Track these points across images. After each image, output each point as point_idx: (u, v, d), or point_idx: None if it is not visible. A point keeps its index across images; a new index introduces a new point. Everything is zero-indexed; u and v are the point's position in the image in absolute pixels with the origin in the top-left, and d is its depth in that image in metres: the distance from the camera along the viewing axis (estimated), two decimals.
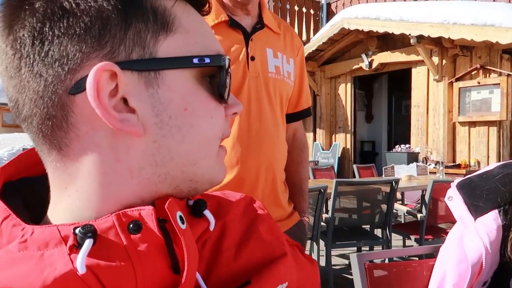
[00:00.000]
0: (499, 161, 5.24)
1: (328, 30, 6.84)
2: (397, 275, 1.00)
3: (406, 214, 3.74)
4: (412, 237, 3.23)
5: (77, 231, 0.34)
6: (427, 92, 6.10)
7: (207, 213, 0.42)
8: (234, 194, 0.52)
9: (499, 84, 5.24)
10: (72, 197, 0.38)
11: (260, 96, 1.16)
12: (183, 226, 0.37)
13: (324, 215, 3.04)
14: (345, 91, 7.48)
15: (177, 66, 0.38)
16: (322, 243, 3.11)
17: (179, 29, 0.39)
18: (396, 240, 3.85)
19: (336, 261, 3.71)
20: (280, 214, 1.23)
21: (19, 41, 0.36)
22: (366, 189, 3.38)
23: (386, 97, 9.38)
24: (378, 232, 3.39)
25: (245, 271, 0.44)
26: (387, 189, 3.20)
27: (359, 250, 3.57)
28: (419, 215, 3.18)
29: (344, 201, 3.30)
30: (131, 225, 0.35)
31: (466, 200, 0.77)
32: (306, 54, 6.93)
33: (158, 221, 0.36)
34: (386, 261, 2.53)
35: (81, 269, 0.32)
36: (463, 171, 5.18)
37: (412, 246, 3.52)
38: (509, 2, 5.83)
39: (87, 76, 0.35)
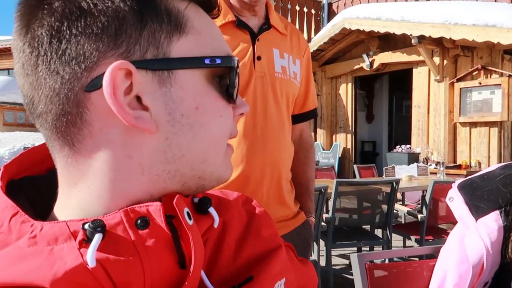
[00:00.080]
0: (500, 162, 5.25)
1: (329, 30, 6.84)
2: (398, 275, 1.00)
3: (406, 214, 3.74)
4: (413, 237, 3.23)
5: (86, 226, 0.35)
6: (428, 92, 6.09)
7: (212, 210, 0.43)
8: (232, 193, 0.54)
9: (500, 84, 5.24)
10: (82, 193, 0.39)
11: (266, 95, 1.17)
12: (190, 222, 0.38)
13: (325, 215, 3.04)
14: (346, 91, 7.47)
15: (190, 66, 0.39)
16: (322, 243, 3.11)
17: (191, 31, 0.40)
18: (397, 240, 3.85)
19: (336, 261, 3.71)
20: (286, 214, 1.24)
21: (37, 40, 0.37)
22: (366, 189, 3.38)
23: (387, 97, 9.38)
24: (378, 232, 3.39)
25: (245, 268, 0.45)
26: (387, 189, 3.20)
27: (359, 250, 3.56)
28: (419, 216, 3.18)
29: (344, 201, 3.30)
30: (139, 221, 0.36)
31: (467, 201, 0.77)
32: None
33: (165, 217, 0.37)
34: (387, 261, 2.53)
35: (91, 263, 0.33)
36: (464, 172, 5.17)
37: (412, 246, 3.52)
38: (511, 2, 5.83)
39: (103, 74, 0.36)
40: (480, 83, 5.43)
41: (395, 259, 2.68)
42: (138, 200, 0.39)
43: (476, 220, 0.74)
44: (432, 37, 5.39)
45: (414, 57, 6.07)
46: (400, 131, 8.90)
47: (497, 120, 5.31)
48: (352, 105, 7.44)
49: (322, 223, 2.96)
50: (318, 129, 7.92)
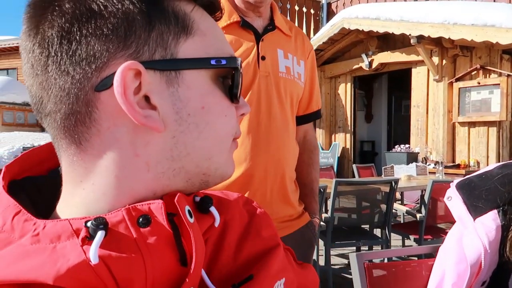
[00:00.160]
0: (499, 161, 5.25)
1: (328, 30, 6.84)
2: (396, 274, 1.00)
3: (405, 214, 3.75)
4: (411, 237, 3.23)
5: (89, 223, 0.35)
6: (427, 92, 6.10)
7: (213, 209, 0.44)
8: (232, 194, 0.54)
9: (499, 84, 5.25)
10: (87, 190, 0.39)
11: (270, 95, 1.18)
12: (191, 220, 0.39)
13: (324, 215, 3.05)
14: (345, 91, 7.48)
15: (196, 67, 0.41)
16: (321, 242, 3.12)
17: (197, 32, 0.41)
18: (395, 240, 3.86)
19: (335, 260, 3.71)
20: (290, 213, 1.24)
21: (47, 40, 0.37)
22: (365, 189, 3.38)
23: (386, 97, 9.39)
24: (377, 232, 3.40)
25: (245, 267, 0.46)
26: (386, 189, 3.20)
27: (358, 249, 3.57)
28: (418, 215, 3.18)
29: (343, 200, 3.30)
30: (140, 219, 0.37)
31: (465, 200, 0.77)
32: None
33: (167, 215, 0.37)
34: (385, 260, 2.54)
35: (94, 259, 0.34)
36: (463, 171, 5.18)
37: (411, 246, 3.52)
38: (510, 2, 5.84)
39: (112, 74, 0.37)
40: (479, 83, 5.44)
41: (394, 258, 2.69)
42: (142, 197, 0.39)
43: (474, 220, 0.75)
44: (431, 37, 5.40)
45: (413, 57, 6.07)
46: (399, 130, 8.91)
47: (496, 120, 5.32)
48: (351, 105, 7.44)
49: (321, 223, 2.97)
50: (317, 129, 7.92)
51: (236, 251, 0.46)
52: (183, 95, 0.40)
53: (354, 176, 5.21)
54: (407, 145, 6.24)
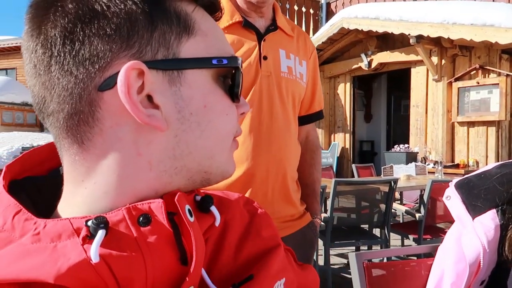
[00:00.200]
0: (498, 161, 5.24)
1: (327, 29, 6.84)
2: (395, 274, 1.00)
3: (404, 213, 3.75)
4: (411, 236, 3.24)
5: (89, 222, 0.35)
6: (426, 92, 6.10)
7: (213, 209, 0.44)
8: (233, 194, 0.55)
9: (498, 84, 5.25)
10: (88, 190, 0.39)
11: (272, 95, 1.18)
12: (192, 219, 0.39)
13: (323, 215, 3.04)
14: (344, 91, 7.48)
15: (198, 66, 0.41)
16: (320, 242, 3.12)
17: (198, 32, 0.42)
18: (395, 239, 3.86)
19: (335, 260, 3.72)
20: (292, 213, 1.25)
21: (50, 41, 0.37)
22: (364, 189, 3.39)
23: (385, 97, 9.39)
24: (376, 231, 3.40)
25: (245, 266, 0.46)
26: (385, 188, 3.20)
27: (357, 249, 3.57)
28: (417, 215, 3.18)
29: (343, 200, 3.31)
30: (141, 218, 0.37)
31: (464, 200, 0.77)
32: None
33: (167, 214, 0.38)
34: (385, 260, 2.54)
35: (94, 258, 0.34)
36: (462, 171, 5.18)
37: (410, 245, 3.53)
38: (509, 2, 5.84)
39: (116, 73, 0.37)
40: (478, 83, 5.44)
41: (393, 258, 2.69)
42: (144, 196, 0.39)
43: (473, 219, 0.75)
44: (430, 37, 5.40)
45: (412, 57, 6.08)
46: (398, 130, 8.91)
47: (495, 120, 5.32)
48: (351, 105, 7.44)
49: (321, 223, 2.97)
50: (316, 129, 7.92)
51: (236, 251, 0.46)
52: (185, 94, 0.40)
53: (353, 176, 5.21)
54: (406, 145, 6.24)
